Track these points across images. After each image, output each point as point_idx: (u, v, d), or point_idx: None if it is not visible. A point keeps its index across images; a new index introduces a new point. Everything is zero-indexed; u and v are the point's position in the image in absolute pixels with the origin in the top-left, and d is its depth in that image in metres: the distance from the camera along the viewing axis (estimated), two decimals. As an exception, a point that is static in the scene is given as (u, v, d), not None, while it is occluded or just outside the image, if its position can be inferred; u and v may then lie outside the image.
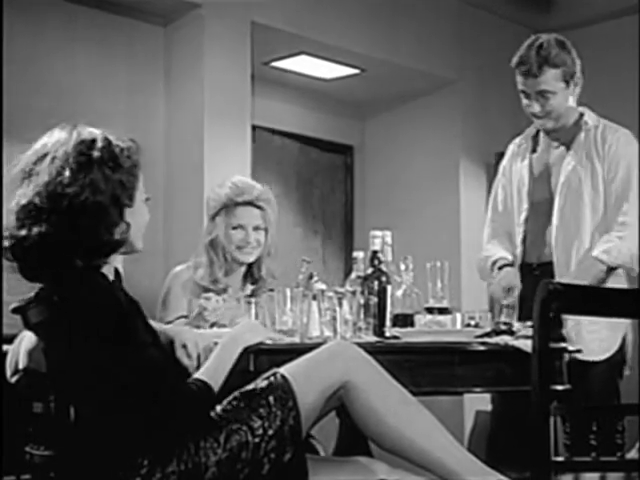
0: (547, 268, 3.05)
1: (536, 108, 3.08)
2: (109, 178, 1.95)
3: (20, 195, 1.94)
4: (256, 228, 2.99)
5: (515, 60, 3.10)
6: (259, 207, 3.00)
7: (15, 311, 2.02)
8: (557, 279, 2.97)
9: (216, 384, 2.01)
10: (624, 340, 3.09)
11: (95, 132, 2.01)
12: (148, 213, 2.12)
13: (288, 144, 6.09)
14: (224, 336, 2.18)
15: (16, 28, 4.31)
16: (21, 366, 2.09)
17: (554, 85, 3.04)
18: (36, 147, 1.99)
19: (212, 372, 2.04)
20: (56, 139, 1.99)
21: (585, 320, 2.95)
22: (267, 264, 3.03)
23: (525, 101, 3.11)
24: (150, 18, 4.90)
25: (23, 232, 1.92)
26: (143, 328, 2.03)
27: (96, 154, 1.96)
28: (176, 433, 1.92)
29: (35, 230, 1.91)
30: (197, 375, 2.03)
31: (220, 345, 2.12)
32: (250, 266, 3.03)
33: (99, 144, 1.98)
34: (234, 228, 2.98)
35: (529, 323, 2.51)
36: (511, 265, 3.13)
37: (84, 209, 1.92)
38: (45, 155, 1.96)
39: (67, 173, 1.92)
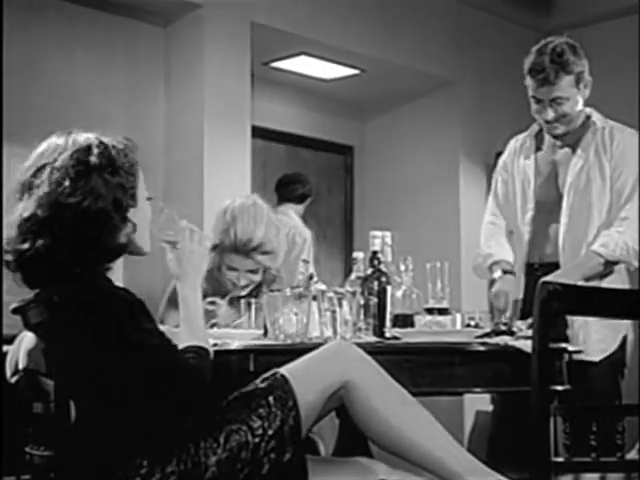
0: (550, 268, 3.04)
1: (550, 115, 3.03)
2: (109, 182, 1.95)
3: (22, 208, 1.94)
4: (250, 271, 2.94)
5: (528, 66, 3.02)
6: (254, 258, 2.92)
7: (15, 311, 2.02)
8: (554, 273, 2.96)
9: (202, 339, 2.06)
10: (624, 340, 3.08)
11: (90, 137, 2.00)
12: (151, 212, 2.12)
13: (288, 144, 6.09)
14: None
15: (16, 28, 4.31)
16: (21, 366, 2.09)
17: (569, 91, 3.00)
18: (33, 158, 1.99)
19: (191, 331, 2.07)
20: (53, 148, 1.98)
21: (592, 320, 2.95)
22: (266, 290, 2.99)
23: (536, 107, 3.06)
24: (150, 18, 4.90)
25: (26, 245, 1.92)
26: (147, 327, 2.01)
27: (93, 160, 1.95)
28: (184, 423, 1.93)
29: (39, 242, 1.91)
30: (186, 343, 2.03)
31: (181, 307, 2.13)
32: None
33: (95, 150, 1.97)
34: (228, 268, 2.94)
35: (529, 320, 2.51)
36: (512, 272, 3.12)
37: (87, 217, 1.91)
38: (44, 166, 1.95)
39: (67, 182, 1.92)
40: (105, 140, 2.01)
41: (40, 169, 1.95)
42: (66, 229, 1.91)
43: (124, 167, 2.00)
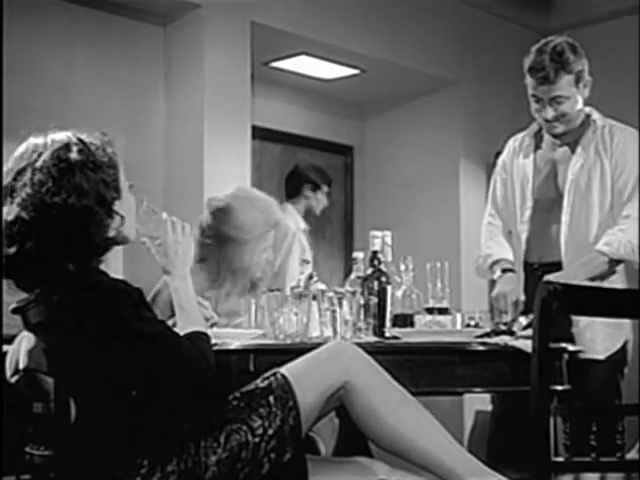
0: (550, 268, 3.03)
1: (549, 114, 3.02)
2: (91, 179, 1.95)
3: (5, 213, 1.93)
4: None
5: (528, 65, 3.02)
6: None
7: (15, 311, 2.02)
8: (559, 273, 2.96)
9: (200, 324, 2.11)
10: (627, 339, 3.08)
11: (68, 135, 2.00)
12: (134, 201, 2.12)
13: (288, 144, 6.09)
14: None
15: (16, 28, 4.31)
16: (21, 366, 2.09)
17: (568, 90, 2.99)
18: (12, 161, 1.98)
19: (187, 318, 2.11)
20: (32, 149, 1.97)
21: (597, 318, 2.94)
22: (261, 286, 3.00)
23: (536, 106, 3.05)
24: (150, 18, 4.90)
25: (13, 249, 1.92)
26: (148, 315, 2.00)
27: (74, 157, 1.95)
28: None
29: (28, 244, 1.90)
30: (185, 330, 2.06)
31: (174, 297, 2.16)
32: None
33: (74, 147, 1.97)
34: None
35: (531, 316, 2.51)
36: (512, 270, 3.11)
37: (73, 215, 1.91)
38: (24, 168, 1.94)
39: (50, 182, 1.91)
40: (82, 137, 2.01)
41: (21, 171, 1.94)
42: (53, 229, 1.91)
43: (104, 162, 2.00)
